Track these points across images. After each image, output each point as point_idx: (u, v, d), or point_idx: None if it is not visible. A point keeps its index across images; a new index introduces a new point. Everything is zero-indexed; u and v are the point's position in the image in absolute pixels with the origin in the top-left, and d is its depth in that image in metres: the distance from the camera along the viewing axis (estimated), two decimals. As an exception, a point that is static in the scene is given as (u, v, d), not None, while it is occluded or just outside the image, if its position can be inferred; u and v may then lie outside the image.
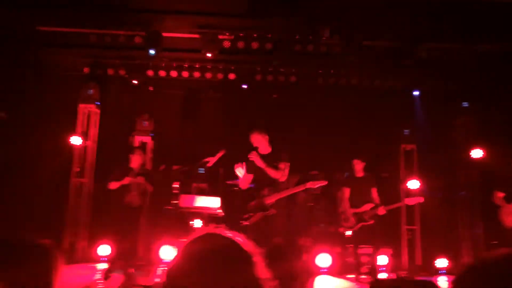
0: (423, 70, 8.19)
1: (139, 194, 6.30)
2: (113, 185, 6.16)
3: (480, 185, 7.96)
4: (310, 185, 5.75)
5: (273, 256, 3.36)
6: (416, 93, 8.76)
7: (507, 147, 7.03)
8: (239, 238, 1.22)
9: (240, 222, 5.57)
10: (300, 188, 5.75)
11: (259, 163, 5.59)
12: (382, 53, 8.12)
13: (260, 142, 5.76)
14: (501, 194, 6.10)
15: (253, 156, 5.60)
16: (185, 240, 1.21)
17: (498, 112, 7.77)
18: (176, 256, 1.17)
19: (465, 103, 8.35)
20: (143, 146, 8.19)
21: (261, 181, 5.64)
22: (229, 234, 1.23)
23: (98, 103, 8.54)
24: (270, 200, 5.49)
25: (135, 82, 8.54)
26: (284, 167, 5.61)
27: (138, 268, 6.12)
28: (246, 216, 5.54)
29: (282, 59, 8.42)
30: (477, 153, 7.81)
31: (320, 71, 8.71)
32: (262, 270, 1.17)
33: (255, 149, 5.71)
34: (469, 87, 8.18)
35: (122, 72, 8.56)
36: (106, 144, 8.31)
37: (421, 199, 7.00)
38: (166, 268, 1.16)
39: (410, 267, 8.02)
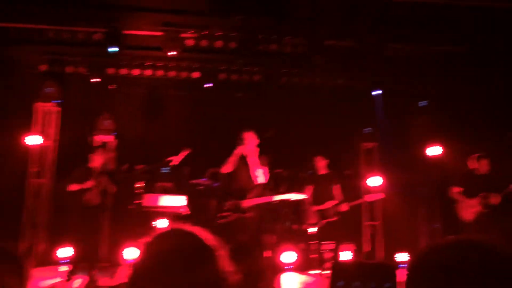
0: (384, 70, 8.42)
1: (98, 193, 6.13)
2: (73, 187, 5.98)
3: (438, 181, 8.26)
4: (291, 196, 5.81)
5: (238, 253, 3.38)
6: (376, 92, 8.98)
7: (463, 144, 7.34)
8: (201, 233, 1.21)
9: (215, 220, 5.50)
10: (281, 198, 5.79)
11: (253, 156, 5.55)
12: (345, 53, 8.29)
13: (252, 142, 5.72)
14: (457, 189, 6.35)
15: (249, 149, 5.49)
16: (147, 239, 1.19)
17: (455, 110, 8.10)
18: (138, 256, 1.16)
19: (423, 102, 8.65)
20: (104, 145, 7.99)
21: (239, 176, 5.57)
22: (191, 229, 1.22)
23: (57, 101, 8.27)
24: (247, 204, 5.47)
25: (95, 80, 8.33)
26: (266, 171, 5.66)
27: (101, 269, 5.97)
28: (221, 215, 5.48)
29: (246, 58, 8.46)
30: (435, 151, 8.11)
31: (284, 71, 8.79)
32: (225, 263, 1.18)
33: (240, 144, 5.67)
34: (427, 87, 8.47)
35: (81, 70, 8.33)
36: (66, 143, 8.06)
37: (382, 195, 7.20)
38: (129, 269, 1.14)
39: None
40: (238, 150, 5.63)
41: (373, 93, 8.99)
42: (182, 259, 1.11)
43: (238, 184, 5.67)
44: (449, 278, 0.87)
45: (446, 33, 7.54)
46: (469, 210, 6.15)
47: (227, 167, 5.69)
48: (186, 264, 1.10)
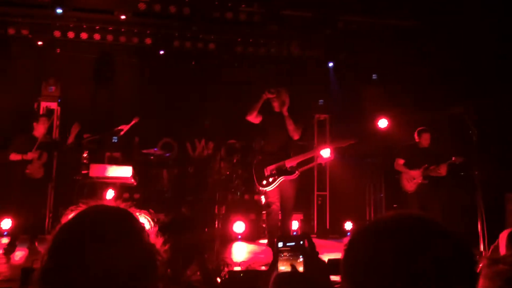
0: (338, 41, 8.47)
1: (41, 166, 5.87)
2: (14, 157, 5.68)
3: (385, 153, 8.51)
4: (340, 144, 5.58)
5: (179, 227, 3.35)
6: (330, 64, 9.04)
7: (410, 117, 7.56)
8: (127, 209, 1.15)
9: (259, 187, 5.20)
10: (330, 146, 5.59)
11: (285, 109, 5.18)
12: (301, 23, 8.25)
13: (284, 97, 5.28)
14: (401, 161, 6.57)
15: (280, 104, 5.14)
16: (67, 215, 1.12)
17: (404, 83, 8.29)
18: (55, 235, 1.08)
19: (374, 75, 8.79)
20: (49, 112, 7.64)
21: (274, 133, 5.21)
22: (115, 205, 1.15)
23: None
24: (291, 163, 5.16)
25: (40, 43, 7.90)
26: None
27: (42, 241, 5.82)
28: (265, 182, 5.10)
29: (200, 25, 8.25)
30: (382, 123, 8.31)
31: (239, 40, 8.65)
32: (153, 240, 1.13)
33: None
34: (379, 60, 8.60)
35: (25, 32, 7.86)
36: (8, 110, 7.63)
37: (331, 157, 7.30)
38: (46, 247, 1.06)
39: (319, 231, 8.48)
40: (264, 98, 5.22)
41: (329, 64, 9.06)
42: (103, 238, 1.04)
43: (275, 143, 5.22)
44: (386, 253, 0.87)
45: (401, 8, 7.66)
46: (411, 181, 6.39)
47: (252, 115, 5.25)
48: (108, 242, 1.04)
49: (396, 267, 0.85)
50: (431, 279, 0.84)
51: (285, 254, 1.98)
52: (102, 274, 0.99)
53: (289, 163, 5.15)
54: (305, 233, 2.30)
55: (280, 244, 2.06)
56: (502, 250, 3.07)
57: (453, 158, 6.22)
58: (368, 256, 0.89)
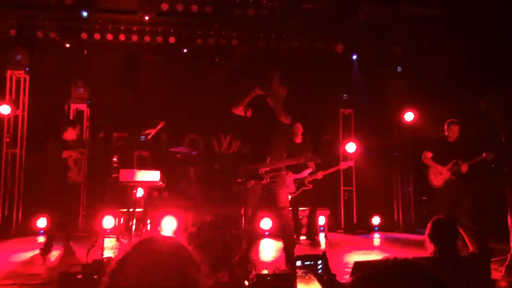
0: (361, 33, 8.36)
1: (80, 170, 6.05)
2: (66, 154, 5.84)
3: (411, 146, 8.40)
4: (305, 160, 5.11)
5: (205, 234, 3.43)
6: (354, 56, 8.94)
7: (435, 110, 7.42)
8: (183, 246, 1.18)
9: (236, 184, 4.97)
10: (301, 160, 5.32)
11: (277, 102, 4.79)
12: (322, 16, 8.18)
13: (279, 88, 4.91)
14: (429, 154, 6.45)
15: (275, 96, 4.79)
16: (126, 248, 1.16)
17: (429, 77, 8.13)
18: (115, 265, 1.12)
19: (399, 67, 8.65)
20: (79, 114, 7.83)
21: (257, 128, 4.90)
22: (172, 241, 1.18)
23: (28, 68, 8.03)
24: (265, 168, 4.84)
25: (67, 45, 8.10)
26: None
27: (78, 239, 6.03)
28: (240, 181, 4.87)
29: (222, 22, 8.29)
30: (409, 116, 8.18)
31: (261, 35, 8.65)
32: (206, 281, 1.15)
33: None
34: (404, 52, 8.45)
35: (53, 35, 8.07)
36: (38, 113, 7.86)
37: (352, 163, 7.29)
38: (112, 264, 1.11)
39: (346, 226, 8.48)
40: (257, 91, 4.79)
41: (353, 57, 8.96)
42: (161, 274, 1.07)
43: (259, 145, 4.89)
44: None
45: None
46: (439, 176, 6.26)
47: (238, 109, 4.82)
48: (166, 279, 1.07)
49: None
50: None
51: (302, 272, 2.05)
52: None
53: (263, 167, 4.87)
54: (324, 253, 2.33)
55: (298, 263, 2.13)
56: None
57: (484, 154, 6.04)
58: None
